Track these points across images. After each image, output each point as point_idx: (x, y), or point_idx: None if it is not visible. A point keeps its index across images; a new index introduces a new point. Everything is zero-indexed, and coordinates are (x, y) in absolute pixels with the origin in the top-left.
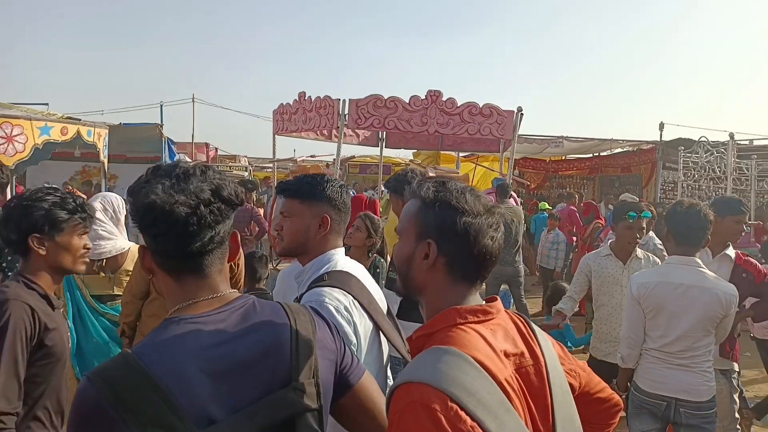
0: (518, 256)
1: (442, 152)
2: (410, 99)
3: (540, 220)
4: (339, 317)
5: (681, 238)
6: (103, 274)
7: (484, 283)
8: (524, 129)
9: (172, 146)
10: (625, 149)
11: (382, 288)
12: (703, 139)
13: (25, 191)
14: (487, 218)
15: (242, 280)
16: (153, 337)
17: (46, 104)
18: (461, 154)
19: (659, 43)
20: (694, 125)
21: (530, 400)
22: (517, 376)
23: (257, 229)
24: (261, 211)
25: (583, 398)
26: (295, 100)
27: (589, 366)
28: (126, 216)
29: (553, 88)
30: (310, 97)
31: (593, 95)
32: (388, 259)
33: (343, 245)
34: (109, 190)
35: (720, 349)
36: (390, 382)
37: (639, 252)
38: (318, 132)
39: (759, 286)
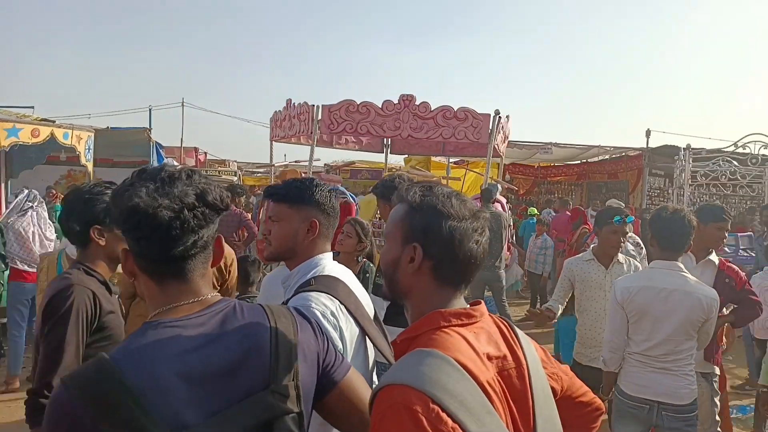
0: (499, 261)
1: (432, 158)
2: (383, 103)
3: (529, 226)
4: (325, 322)
5: (665, 243)
6: None
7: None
8: (513, 135)
9: (161, 150)
10: (612, 155)
11: (370, 293)
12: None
13: (83, 185)
14: (473, 222)
15: (234, 285)
16: (130, 342)
17: (32, 107)
18: (452, 160)
19: (646, 51)
20: (680, 132)
21: (512, 403)
22: (499, 378)
23: (246, 234)
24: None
25: (565, 402)
26: (285, 107)
27: (572, 371)
28: None
29: (543, 94)
30: (295, 104)
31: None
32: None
33: (335, 251)
34: None
35: (704, 352)
36: None
37: (621, 257)
38: (303, 138)
39: (739, 292)
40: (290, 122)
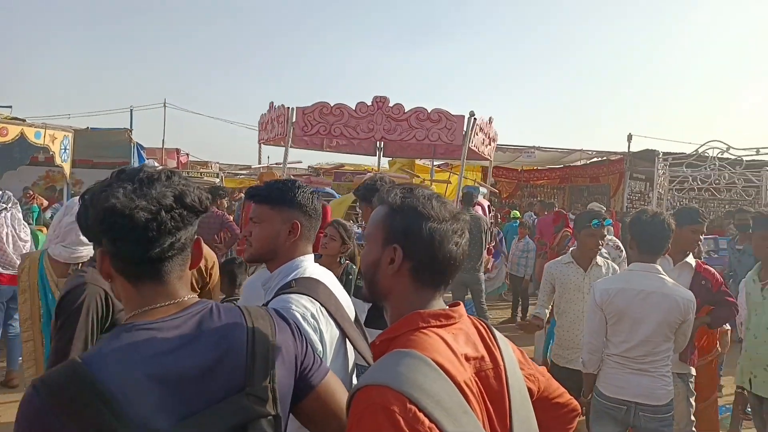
0: (479, 264)
1: (417, 162)
2: (357, 105)
3: (511, 229)
4: (305, 324)
5: (644, 246)
6: None
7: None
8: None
9: (142, 151)
10: (593, 159)
11: (352, 296)
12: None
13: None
14: (452, 224)
15: (216, 287)
16: (104, 345)
17: (10, 107)
18: (435, 163)
19: (631, 58)
20: (660, 137)
21: (489, 403)
22: (476, 379)
23: (228, 236)
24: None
25: (542, 403)
26: (268, 110)
27: (550, 372)
28: None
29: (527, 99)
30: (276, 106)
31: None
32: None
33: (318, 254)
34: (73, 195)
35: (680, 353)
36: None
37: (599, 259)
38: (283, 140)
39: (715, 294)
40: (272, 125)
